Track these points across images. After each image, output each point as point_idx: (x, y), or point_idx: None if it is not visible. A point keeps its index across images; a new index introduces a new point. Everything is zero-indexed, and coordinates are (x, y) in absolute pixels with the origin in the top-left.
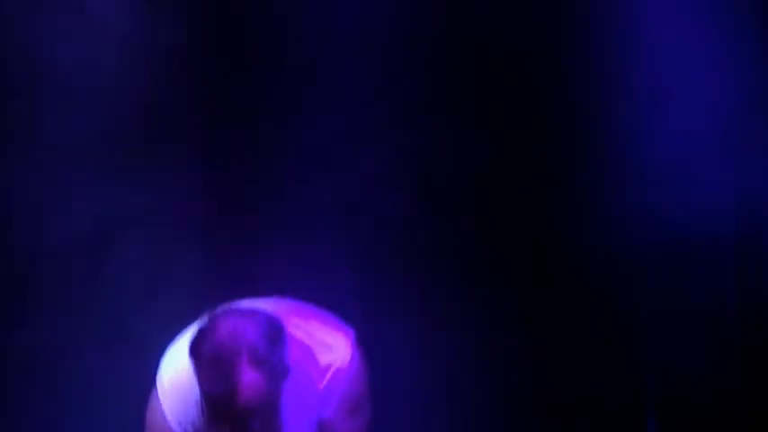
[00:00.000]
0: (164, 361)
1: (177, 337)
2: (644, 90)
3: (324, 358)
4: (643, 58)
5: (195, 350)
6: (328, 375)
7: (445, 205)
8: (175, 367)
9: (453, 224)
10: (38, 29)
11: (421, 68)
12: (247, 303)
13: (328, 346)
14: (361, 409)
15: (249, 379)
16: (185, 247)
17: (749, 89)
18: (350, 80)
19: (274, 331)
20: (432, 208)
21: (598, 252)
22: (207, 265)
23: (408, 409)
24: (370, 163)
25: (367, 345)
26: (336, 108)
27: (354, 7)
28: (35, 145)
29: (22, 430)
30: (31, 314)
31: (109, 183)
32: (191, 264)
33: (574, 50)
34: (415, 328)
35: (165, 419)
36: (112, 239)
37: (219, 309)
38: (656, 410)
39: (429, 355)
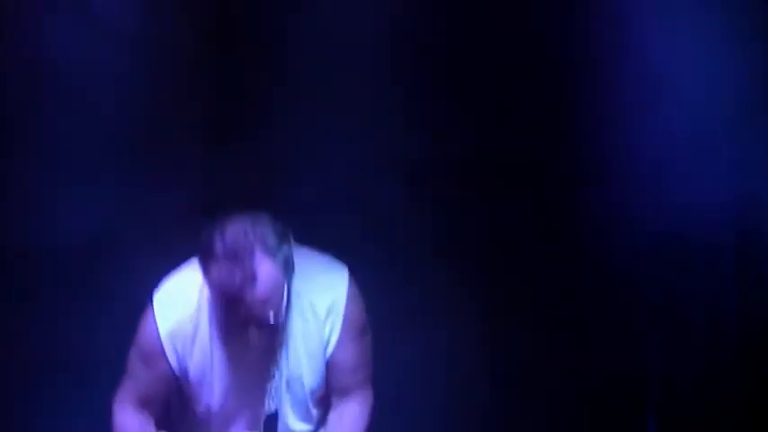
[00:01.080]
0: (160, 285)
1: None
2: (644, 90)
3: (325, 290)
4: (643, 58)
5: (208, 250)
6: (331, 304)
7: (442, 205)
8: (174, 286)
9: (450, 225)
10: (42, 30)
11: (417, 65)
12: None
13: (328, 276)
14: (363, 334)
15: (265, 268)
16: (188, 247)
17: (750, 89)
18: (351, 81)
19: (281, 229)
20: (431, 208)
21: (598, 252)
22: None
23: (404, 407)
24: (370, 165)
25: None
26: (335, 108)
27: (351, 7)
28: (38, 146)
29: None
30: (32, 314)
31: (110, 184)
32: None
33: (574, 50)
34: (412, 325)
35: (155, 335)
36: (114, 240)
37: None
38: (656, 410)
39: (425, 353)
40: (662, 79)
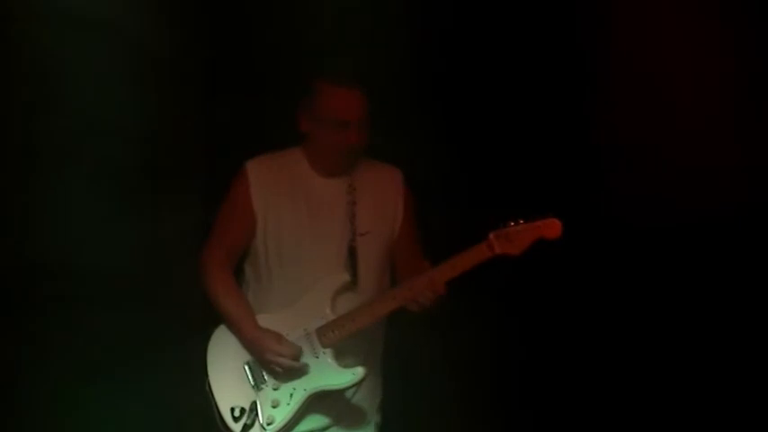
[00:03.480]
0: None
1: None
2: (644, 88)
3: (391, 179)
4: (644, 55)
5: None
6: (396, 189)
7: (440, 207)
8: (265, 156)
9: (447, 225)
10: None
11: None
12: None
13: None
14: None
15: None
16: None
17: (752, 88)
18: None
19: None
20: (431, 208)
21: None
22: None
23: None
24: None
25: None
26: None
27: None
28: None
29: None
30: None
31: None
32: None
33: (575, 51)
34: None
35: (245, 190)
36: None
37: None
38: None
39: (426, 354)
40: (662, 78)
